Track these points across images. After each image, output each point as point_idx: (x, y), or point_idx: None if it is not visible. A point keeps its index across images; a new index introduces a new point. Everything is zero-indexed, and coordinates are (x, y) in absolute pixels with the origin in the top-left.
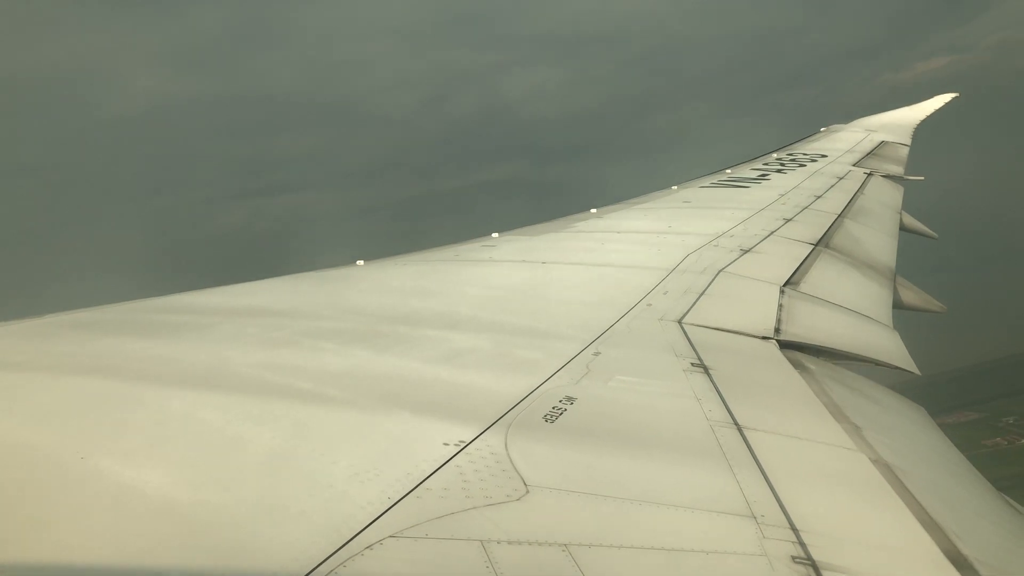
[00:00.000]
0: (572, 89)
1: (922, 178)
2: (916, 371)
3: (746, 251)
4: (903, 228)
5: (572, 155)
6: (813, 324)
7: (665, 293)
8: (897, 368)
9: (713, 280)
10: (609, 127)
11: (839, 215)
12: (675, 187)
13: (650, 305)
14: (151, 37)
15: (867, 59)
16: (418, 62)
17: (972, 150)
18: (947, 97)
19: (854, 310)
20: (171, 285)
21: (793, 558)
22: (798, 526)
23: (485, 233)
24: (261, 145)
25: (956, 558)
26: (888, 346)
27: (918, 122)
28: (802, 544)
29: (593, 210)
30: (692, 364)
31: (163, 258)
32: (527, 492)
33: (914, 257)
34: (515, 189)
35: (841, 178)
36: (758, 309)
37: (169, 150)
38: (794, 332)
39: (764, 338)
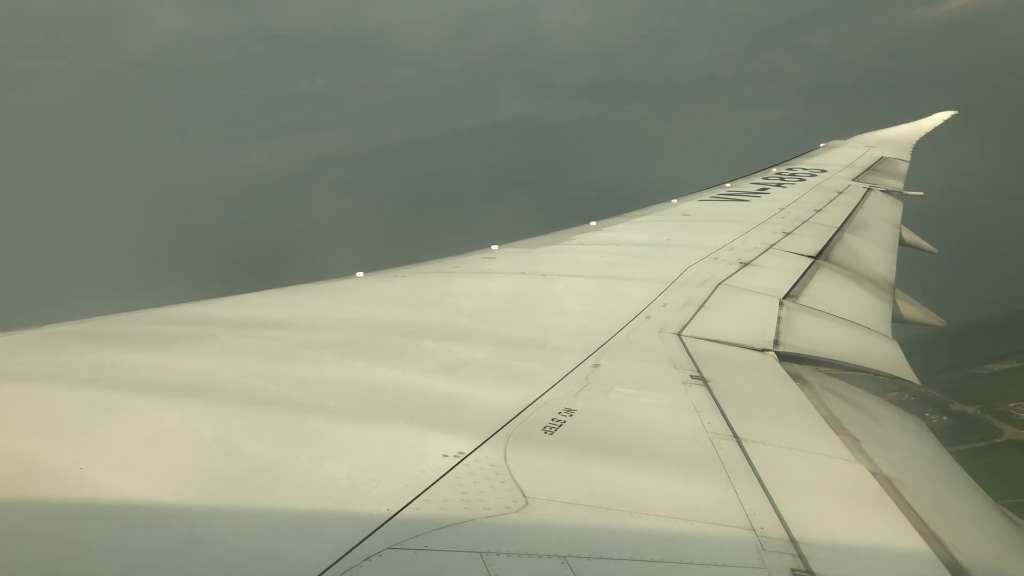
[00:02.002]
0: (595, 25)
1: (921, 193)
2: (916, 380)
3: (746, 264)
4: (902, 243)
5: (592, 94)
6: (812, 336)
7: (664, 305)
8: (897, 378)
9: (713, 293)
10: (630, 66)
11: (838, 229)
12: (675, 200)
13: (649, 317)
14: None
15: None
16: None
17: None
18: (946, 115)
19: (853, 322)
20: (189, 233)
21: (793, 571)
22: (798, 538)
23: (495, 186)
24: (281, 83)
25: (955, 570)
26: (888, 356)
27: (917, 138)
28: (801, 557)
29: (593, 223)
30: (691, 376)
31: (182, 199)
32: (526, 504)
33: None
34: (533, 128)
35: (840, 192)
36: (757, 321)
37: (188, 89)
38: (793, 344)
39: (763, 350)
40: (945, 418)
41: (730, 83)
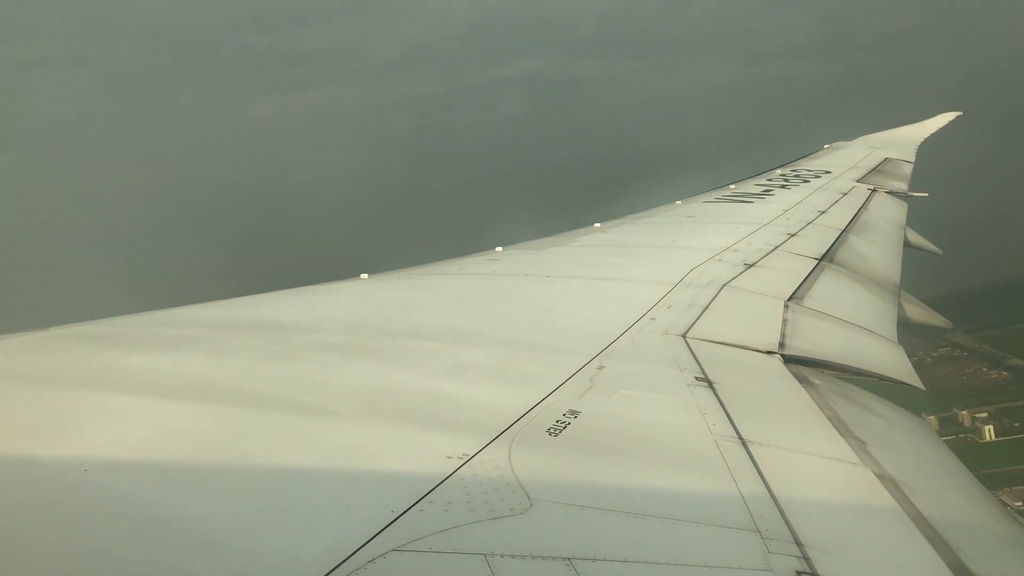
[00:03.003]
0: None
1: (926, 195)
2: (921, 386)
3: (750, 266)
4: (907, 244)
5: (600, 49)
6: (817, 339)
7: (669, 307)
8: (902, 383)
9: (717, 294)
10: (639, 19)
11: (843, 230)
12: (679, 202)
13: (654, 319)
14: None
15: None
16: None
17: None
18: (951, 115)
19: (858, 325)
20: (193, 195)
21: (798, 573)
22: (803, 541)
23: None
24: (286, 37)
25: (962, 573)
26: (893, 361)
27: (922, 139)
28: (807, 559)
29: (597, 224)
30: (696, 378)
31: (188, 155)
32: (531, 506)
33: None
34: (540, 86)
35: (845, 194)
36: (762, 323)
37: (193, 42)
38: (798, 347)
39: (768, 352)
40: (1004, 373)
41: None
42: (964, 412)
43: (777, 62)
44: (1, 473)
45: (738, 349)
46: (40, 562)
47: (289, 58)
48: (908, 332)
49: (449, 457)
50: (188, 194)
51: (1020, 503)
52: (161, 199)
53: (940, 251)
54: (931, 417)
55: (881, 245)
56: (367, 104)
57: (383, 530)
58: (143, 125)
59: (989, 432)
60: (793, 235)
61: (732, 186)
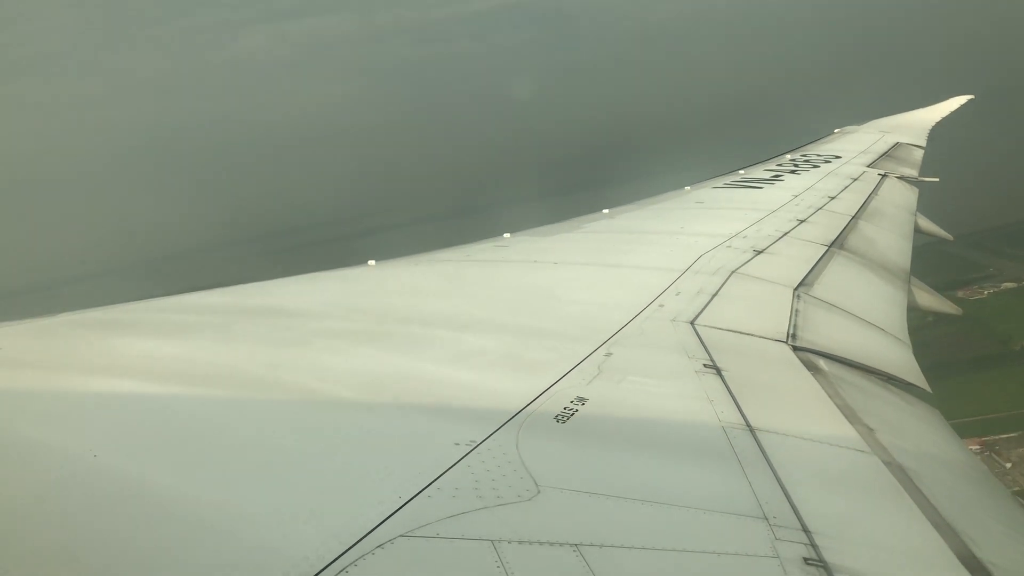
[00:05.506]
0: None
1: (937, 179)
2: (927, 388)
3: (759, 252)
4: (918, 230)
5: None
6: (825, 332)
7: (678, 294)
8: (910, 384)
9: (726, 281)
10: None
11: (853, 216)
12: (688, 187)
13: (662, 306)
14: None
15: None
16: None
17: None
18: (963, 99)
19: (868, 319)
20: (184, 132)
21: (805, 560)
22: (810, 528)
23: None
24: None
25: (969, 561)
26: (900, 360)
27: (933, 124)
28: (814, 546)
29: (605, 210)
30: (705, 365)
31: (181, 86)
32: (538, 492)
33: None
34: (535, 17)
35: (855, 179)
36: (771, 311)
37: None
38: (806, 338)
39: (777, 340)
40: None
41: None
42: None
43: None
44: (11, 458)
45: (747, 336)
46: (49, 545)
47: None
48: (1001, 258)
49: (457, 443)
50: (178, 129)
51: None
52: (148, 135)
53: (951, 237)
54: None
55: (891, 231)
56: (361, 34)
57: (391, 516)
58: (130, 56)
59: None
60: (803, 221)
61: (741, 171)
